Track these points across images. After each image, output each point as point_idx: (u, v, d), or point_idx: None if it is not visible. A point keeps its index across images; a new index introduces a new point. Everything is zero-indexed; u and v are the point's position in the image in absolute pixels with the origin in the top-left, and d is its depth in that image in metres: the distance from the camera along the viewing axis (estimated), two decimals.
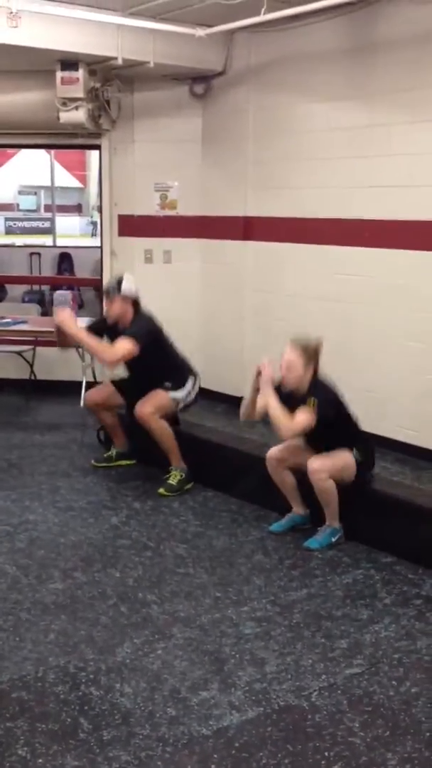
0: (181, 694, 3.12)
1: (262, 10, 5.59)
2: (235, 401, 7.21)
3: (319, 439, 4.41)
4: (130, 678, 3.21)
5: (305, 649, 3.42)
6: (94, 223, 25.03)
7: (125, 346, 5.07)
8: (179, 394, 5.27)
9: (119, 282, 5.28)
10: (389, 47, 5.72)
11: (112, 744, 2.83)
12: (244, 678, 3.22)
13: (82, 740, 2.85)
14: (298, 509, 4.61)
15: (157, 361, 5.21)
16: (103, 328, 5.43)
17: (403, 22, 5.60)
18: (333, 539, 4.41)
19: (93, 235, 24.89)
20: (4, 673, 3.24)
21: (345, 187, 6.12)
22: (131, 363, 5.24)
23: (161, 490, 5.15)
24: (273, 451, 4.55)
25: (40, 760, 2.75)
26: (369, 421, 5.69)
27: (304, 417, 4.28)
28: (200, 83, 7.26)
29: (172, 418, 5.37)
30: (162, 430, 5.19)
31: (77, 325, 5.35)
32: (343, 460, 4.39)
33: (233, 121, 7.07)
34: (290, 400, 4.43)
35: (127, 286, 5.24)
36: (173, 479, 5.20)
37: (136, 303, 5.29)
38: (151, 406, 5.16)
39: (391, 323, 5.86)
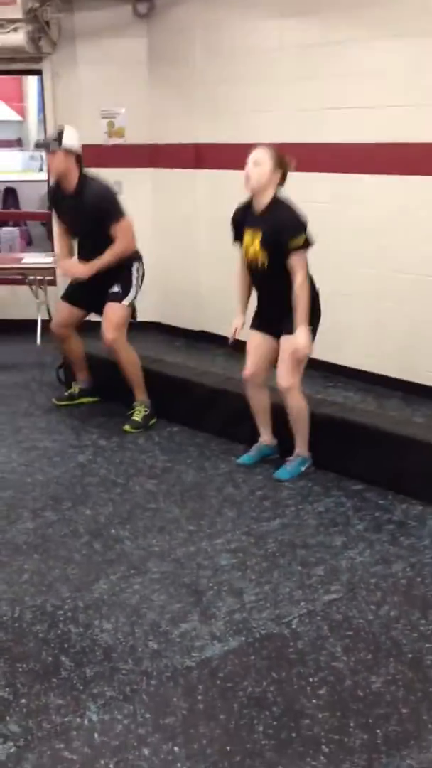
0: (162, 627, 3.10)
1: None
2: (193, 335, 7.14)
3: (276, 280, 4.18)
4: (109, 614, 3.18)
5: (282, 578, 3.43)
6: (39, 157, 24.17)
7: (125, 228, 4.95)
8: (129, 296, 5.11)
9: (60, 134, 4.97)
10: None
11: (95, 680, 2.81)
12: (223, 608, 3.22)
13: (64, 678, 2.83)
14: (266, 438, 4.58)
15: (107, 236, 4.98)
16: (56, 201, 5.19)
17: None
18: (302, 468, 4.41)
19: (41, 170, 24.05)
20: None
21: (299, 109, 5.94)
22: (89, 235, 5.04)
23: (126, 427, 5.07)
24: (246, 371, 4.42)
25: (23, 700, 2.72)
26: (329, 351, 5.69)
27: (303, 263, 4.09)
28: (143, 1, 6.94)
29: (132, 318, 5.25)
30: (129, 359, 5.09)
31: (81, 267, 5.11)
32: (299, 349, 4.18)
33: (179, 41, 6.79)
34: (253, 217, 4.21)
35: (69, 139, 4.95)
36: (137, 415, 5.13)
37: (79, 158, 5.03)
38: (113, 327, 5.02)
39: (349, 250, 5.79)
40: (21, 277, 7.11)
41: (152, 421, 5.16)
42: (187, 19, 6.68)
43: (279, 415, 4.46)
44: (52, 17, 6.87)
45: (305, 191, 5.97)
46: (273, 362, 4.36)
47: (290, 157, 4.25)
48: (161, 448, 4.84)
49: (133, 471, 4.52)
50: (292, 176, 5.96)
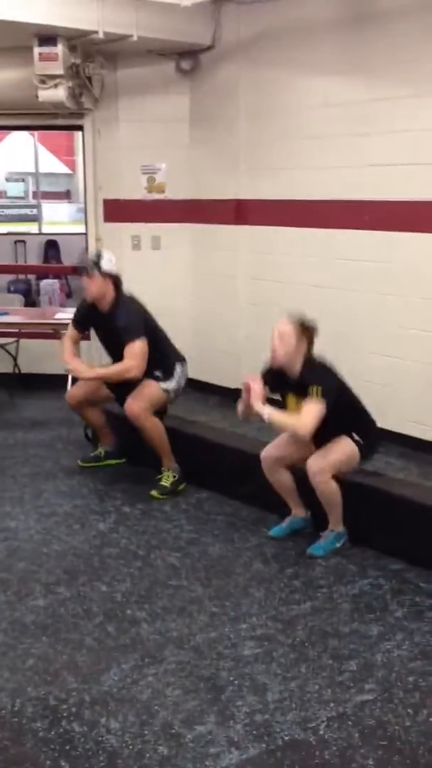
0: (174, 728, 2.80)
1: None
2: (229, 393, 6.88)
3: (320, 427, 4.06)
4: (117, 711, 2.89)
5: (311, 673, 3.11)
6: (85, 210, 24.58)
7: (137, 349, 4.78)
8: (170, 384, 4.94)
9: (98, 258, 4.92)
10: (388, 17, 5.35)
11: None
12: (243, 708, 2.90)
13: None
14: (298, 511, 4.30)
15: (148, 349, 4.86)
16: (87, 316, 5.08)
17: None
18: (337, 544, 4.10)
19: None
20: None
21: (343, 166, 5.76)
22: (118, 351, 4.89)
23: (153, 493, 4.82)
24: (268, 450, 4.23)
25: None
26: (373, 414, 5.39)
27: (313, 409, 3.96)
28: (187, 58, 6.89)
29: (162, 409, 5.04)
30: (154, 429, 4.86)
31: (87, 369, 5.06)
32: (343, 451, 4.07)
33: (223, 98, 6.70)
34: (282, 382, 4.13)
35: (107, 263, 4.88)
36: (166, 480, 4.88)
37: (117, 281, 4.93)
38: (144, 401, 4.82)
39: (394, 310, 5.53)
40: (53, 331, 6.98)
41: (180, 487, 4.91)
42: (230, 76, 6.60)
43: (308, 488, 4.17)
44: (94, 73, 6.84)
45: (349, 249, 5.80)
46: (296, 462, 4.16)
47: (314, 322, 4.15)
48: (188, 517, 4.57)
49: (156, 542, 4.25)
50: (339, 234, 5.83)
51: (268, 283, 6.54)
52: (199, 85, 6.92)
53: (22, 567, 3.97)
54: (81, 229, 18.22)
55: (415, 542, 4.01)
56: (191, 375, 7.05)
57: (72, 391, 5.37)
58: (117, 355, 4.98)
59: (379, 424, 5.64)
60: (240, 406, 4.30)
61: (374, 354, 5.66)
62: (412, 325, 5.47)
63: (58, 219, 21.65)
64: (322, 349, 4.23)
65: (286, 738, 2.75)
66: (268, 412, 4.09)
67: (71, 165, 29.73)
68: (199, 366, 7.11)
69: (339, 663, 3.18)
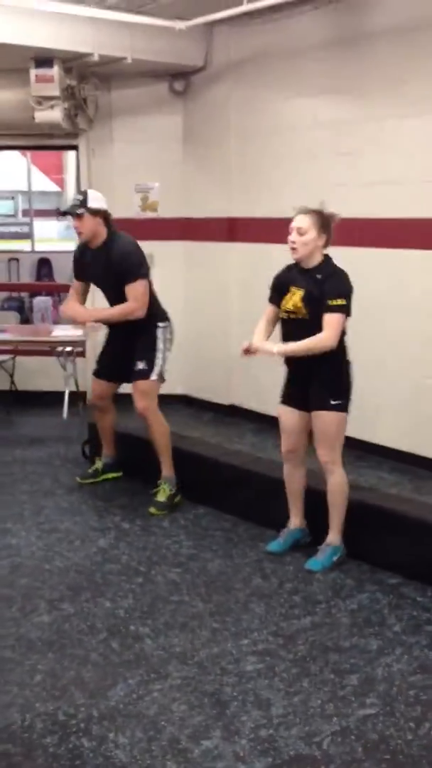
0: (181, 743, 2.85)
1: (244, 0, 5.35)
2: (222, 410, 6.98)
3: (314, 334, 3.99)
4: (124, 726, 2.94)
5: (313, 688, 3.17)
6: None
7: (139, 289, 4.77)
8: (156, 370, 4.93)
9: (84, 197, 4.85)
10: (375, 38, 5.48)
11: None
12: (248, 723, 2.96)
13: None
14: (296, 520, 4.35)
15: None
16: (83, 259, 5.04)
17: (390, 12, 5.37)
18: (335, 558, 4.16)
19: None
20: None
21: (333, 184, 5.85)
22: (115, 291, 4.89)
23: (152, 509, 4.87)
24: (285, 446, 4.25)
25: None
26: (363, 429, 5.49)
27: (337, 320, 3.90)
28: (180, 80, 7.01)
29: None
30: (160, 429, 4.93)
31: (85, 309, 5.00)
32: (333, 430, 4.06)
33: (215, 118, 6.82)
34: (299, 275, 4.07)
35: (94, 200, 4.83)
36: (162, 495, 4.93)
37: (106, 217, 4.90)
38: (144, 398, 4.88)
39: (384, 326, 5.63)
40: (50, 349, 7.05)
41: (177, 499, 4.97)
42: (222, 96, 6.71)
43: (312, 499, 4.25)
44: (89, 95, 6.94)
45: (342, 266, 5.88)
46: (308, 434, 4.20)
47: (333, 215, 4.10)
48: (186, 533, 4.63)
49: (156, 558, 4.31)
50: (330, 251, 5.91)
51: (260, 300, 6.59)
52: (192, 105, 7.03)
53: (25, 583, 4.01)
54: (69, 246, 18.27)
55: (410, 556, 4.07)
56: (184, 392, 7.17)
57: (94, 393, 5.32)
58: (115, 295, 4.94)
59: (371, 439, 5.77)
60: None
61: (365, 370, 5.73)
62: (403, 341, 5.57)
63: (48, 236, 21.71)
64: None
65: (291, 753, 2.81)
66: (277, 348, 4.02)
67: (60, 183, 29.80)
68: (192, 383, 7.21)
69: (340, 677, 3.24)
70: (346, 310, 3.99)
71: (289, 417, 4.23)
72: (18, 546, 4.46)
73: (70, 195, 26.85)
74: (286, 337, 4.15)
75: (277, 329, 4.28)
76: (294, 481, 4.32)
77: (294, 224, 4.05)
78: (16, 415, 7.08)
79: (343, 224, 5.75)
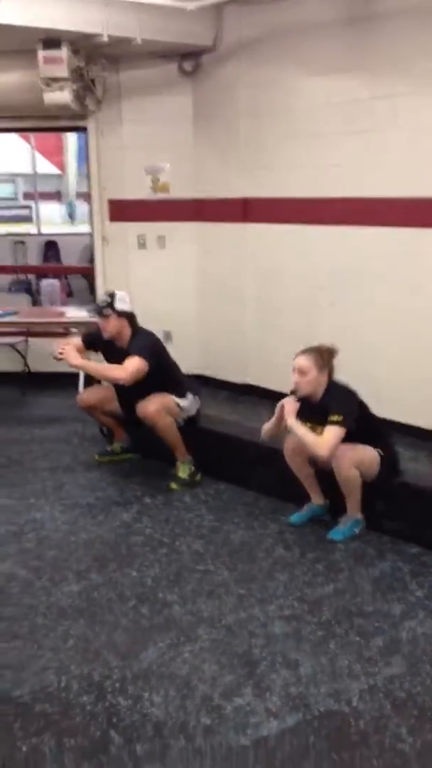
0: (215, 701, 2.95)
1: None
2: (236, 388, 7.05)
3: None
4: (158, 686, 3.04)
5: (339, 649, 3.26)
6: (71, 210, 24.71)
7: (134, 363, 4.83)
8: (183, 402, 5.04)
9: (111, 298, 4.99)
10: (388, 16, 5.49)
11: (146, 759, 2.67)
12: (278, 682, 3.05)
13: (114, 756, 2.68)
14: (316, 499, 4.45)
15: (160, 378, 4.94)
16: (98, 342, 5.16)
17: None
18: (356, 530, 4.25)
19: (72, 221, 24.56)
20: (25, 684, 3.06)
21: (347, 164, 5.91)
22: (130, 387, 4.94)
23: (172, 485, 4.96)
24: (290, 441, 4.37)
25: None
26: (379, 406, 5.53)
27: (334, 432, 4.08)
28: (189, 60, 7.02)
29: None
30: (168, 426, 4.97)
31: (78, 357, 5.08)
32: (366, 453, 4.21)
33: (225, 98, 6.84)
34: (308, 408, 4.24)
35: (121, 302, 4.97)
36: (183, 472, 5.02)
37: (132, 319, 5.03)
38: (157, 404, 4.93)
39: (401, 304, 5.68)
40: (63, 330, 7.11)
41: (197, 477, 5.05)
42: (232, 76, 6.73)
43: (328, 476, 4.33)
44: (97, 76, 6.96)
45: (357, 245, 5.95)
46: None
47: (333, 348, 4.26)
48: (208, 507, 4.71)
49: (179, 530, 4.40)
50: (344, 230, 5.98)
51: (273, 279, 6.69)
52: (202, 85, 7.05)
53: (53, 555, 4.10)
54: (72, 229, 18.25)
55: (430, 528, 4.16)
56: (199, 371, 7.24)
57: (84, 395, 5.50)
58: (134, 387, 4.93)
59: (386, 415, 5.83)
60: (267, 426, 4.41)
61: (381, 346, 5.82)
62: (418, 318, 5.63)
63: (50, 219, 21.69)
64: (331, 342, 4.35)
65: (322, 709, 2.91)
66: (300, 428, 4.17)
67: (60, 166, 29.68)
68: (206, 362, 7.27)
69: (366, 640, 3.33)
70: (344, 424, 4.09)
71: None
72: (42, 520, 4.55)
73: (71, 178, 26.87)
74: None
75: None
76: (300, 470, 4.41)
77: (295, 365, 4.21)
78: (31, 396, 7.15)
79: (358, 203, 5.88)
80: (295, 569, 3.94)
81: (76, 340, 5.32)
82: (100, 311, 4.99)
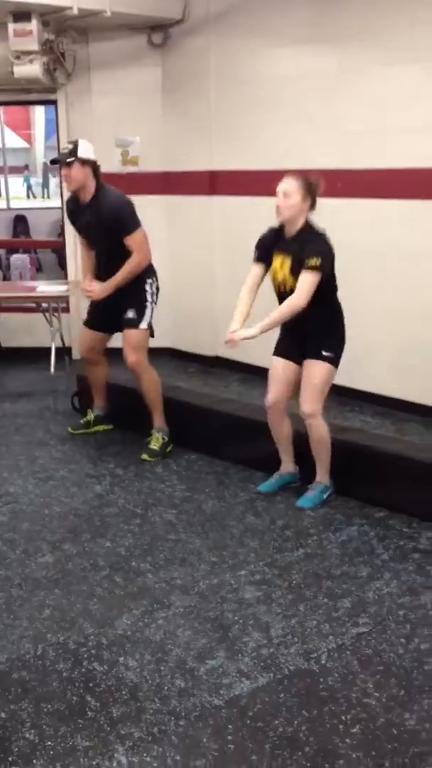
0: (188, 664, 3.03)
1: None
2: (207, 361, 7.11)
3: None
4: (133, 651, 3.12)
5: (308, 611, 3.36)
6: (29, 184, 24.40)
7: (138, 239, 4.88)
8: (145, 319, 5.06)
9: (75, 146, 4.93)
10: None
11: (122, 721, 2.74)
12: (250, 644, 3.15)
13: (90, 719, 2.76)
14: (287, 465, 4.53)
15: (125, 249, 4.93)
16: (74, 214, 5.14)
17: None
18: (324, 496, 4.34)
19: (28, 197, 24.34)
20: (2, 653, 3.12)
21: (315, 135, 5.95)
22: (105, 244, 4.98)
23: (144, 456, 5.02)
24: (269, 398, 4.36)
25: (49, 743, 2.65)
26: (347, 375, 5.63)
27: (310, 278, 4.04)
28: (158, 32, 6.99)
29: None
30: (151, 382, 5.05)
31: (102, 286, 5.03)
32: (321, 379, 4.21)
33: (194, 70, 6.82)
34: (277, 240, 4.23)
35: (84, 151, 4.91)
36: (155, 443, 5.08)
37: (96, 168, 4.97)
38: (134, 351, 4.99)
39: (368, 276, 5.75)
40: (34, 305, 7.11)
41: (169, 448, 5.11)
42: (201, 48, 6.71)
43: (300, 443, 4.41)
44: (67, 49, 6.91)
45: (325, 217, 5.96)
46: (296, 388, 4.32)
47: (319, 180, 4.22)
48: (179, 477, 4.79)
49: (151, 501, 4.47)
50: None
51: (242, 252, 6.67)
52: (171, 57, 7.02)
53: (27, 528, 4.16)
54: (45, 203, 18.05)
55: (395, 491, 4.27)
56: (170, 345, 7.29)
57: (82, 345, 5.42)
58: (106, 248, 5.02)
59: (354, 385, 5.94)
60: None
61: (351, 318, 5.88)
62: (386, 290, 5.71)
63: (16, 194, 21.46)
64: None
65: (292, 668, 3.00)
66: (255, 330, 4.13)
67: (28, 139, 29.30)
68: (177, 335, 7.32)
69: (333, 601, 3.43)
70: (321, 270, 4.09)
71: (281, 368, 4.36)
72: (16, 494, 4.59)
73: (39, 151, 26.31)
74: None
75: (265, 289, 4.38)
76: (281, 431, 4.46)
77: (280, 188, 4.17)
78: (2, 371, 7.15)
79: (325, 174, 5.89)
80: (265, 536, 4.03)
81: (81, 242, 5.26)
82: (63, 160, 4.92)
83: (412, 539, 3.95)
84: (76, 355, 6.81)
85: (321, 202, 5.97)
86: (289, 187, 4.14)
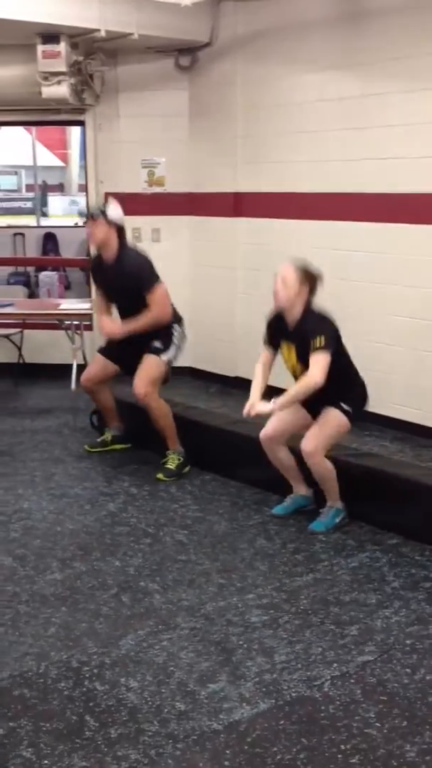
0: (189, 687, 3.01)
1: None
2: (227, 381, 7.11)
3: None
4: (135, 671, 3.11)
5: (314, 637, 3.33)
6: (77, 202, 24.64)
7: (159, 295, 5.00)
8: (169, 354, 5.12)
9: (105, 206, 5.12)
10: (382, 14, 5.55)
11: (120, 742, 2.73)
12: (253, 668, 3.12)
13: (88, 739, 2.75)
14: (300, 489, 4.50)
15: (146, 305, 5.04)
16: (95, 270, 5.34)
17: None
18: (337, 520, 4.31)
19: (79, 214, 24.58)
20: (5, 669, 3.13)
21: (339, 160, 5.96)
22: (126, 301, 5.11)
23: (159, 475, 5.02)
24: (265, 430, 4.38)
25: (46, 762, 2.64)
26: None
27: (320, 358, 4.09)
28: (186, 55, 7.07)
29: (165, 378, 5.23)
30: (161, 409, 5.07)
31: (121, 326, 5.17)
32: (333, 425, 4.22)
33: (221, 93, 6.89)
34: (281, 328, 4.29)
35: (113, 211, 5.06)
36: (171, 463, 5.08)
37: (120, 230, 5.11)
38: (147, 382, 5.02)
39: (388, 299, 5.74)
40: (58, 322, 7.18)
41: (185, 470, 5.11)
42: (228, 72, 6.78)
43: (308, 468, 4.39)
44: (95, 70, 7.02)
45: (347, 240, 6.00)
46: (295, 432, 4.33)
47: (319, 274, 4.30)
48: (193, 497, 4.78)
49: (164, 520, 4.46)
50: (334, 225, 6.02)
51: (264, 274, 6.65)
52: (198, 81, 7.10)
53: (38, 544, 4.17)
54: (74, 221, 18.37)
55: (409, 518, 4.22)
56: (191, 364, 7.31)
57: (85, 373, 5.49)
58: (125, 306, 5.16)
59: (373, 410, 5.89)
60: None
61: (367, 341, 5.86)
62: (403, 313, 5.68)
63: (53, 211, 21.77)
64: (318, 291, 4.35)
65: (294, 694, 2.97)
66: (273, 405, 4.22)
67: (64, 158, 29.75)
68: (198, 355, 7.34)
69: (341, 628, 3.40)
70: (327, 348, 4.13)
71: (292, 408, 4.33)
72: (30, 510, 4.61)
73: (74, 170, 26.72)
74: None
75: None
76: (281, 463, 4.45)
77: (279, 275, 4.24)
78: (24, 387, 7.22)
79: (347, 198, 5.93)
80: (276, 559, 4.01)
81: (96, 294, 5.42)
82: (91, 216, 5.11)
83: (424, 567, 3.90)
84: None
85: (345, 225, 6.02)
86: (287, 275, 4.21)
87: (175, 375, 5.67)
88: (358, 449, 4.92)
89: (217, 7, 6.64)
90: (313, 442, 4.20)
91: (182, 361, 6.58)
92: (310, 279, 4.25)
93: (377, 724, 2.80)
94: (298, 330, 4.23)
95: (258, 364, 4.47)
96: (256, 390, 4.38)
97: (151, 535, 4.28)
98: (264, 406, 4.26)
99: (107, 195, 5.32)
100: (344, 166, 5.92)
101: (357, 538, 4.21)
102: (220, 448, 5.14)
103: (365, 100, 5.74)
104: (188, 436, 5.17)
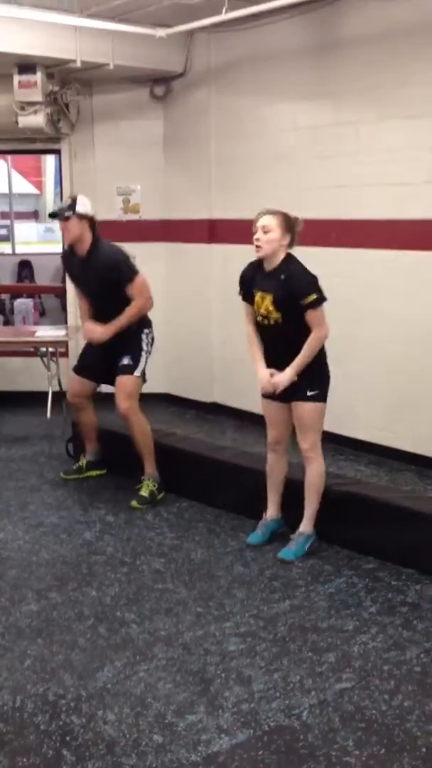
0: (167, 718, 2.99)
1: (224, 9, 5.51)
2: (203, 407, 7.12)
3: (283, 343, 4.18)
4: (112, 704, 3.07)
5: (292, 665, 3.32)
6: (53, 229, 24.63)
7: (139, 285, 4.98)
8: (140, 367, 5.10)
9: (73, 201, 5.04)
10: (352, 45, 5.65)
11: None
12: (231, 698, 3.10)
13: None
14: (272, 512, 4.50)
15: (121, 298, 5.01)
16: (72, 272, 5.29)
17: (365, 20, 5.54)
18: (306, 546, 4.30)
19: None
20: None
21: (311, 187, 6.03)
22: (100, 296, 5.07)
23: (133, 503, 5.00)
24: (271, 438, 4.38)
25: None
26: (341, 424, 5.65)
27: (317, 315, 4.07)
28: (160, 85, 7.16)
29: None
30: (142, 429, 5.07)
31: (104, 328, 5.08)
32: (313, 417, 4.21)
33: (195, 122, 6.97)
34: (261, 275, 4.23)
35: (82, 206, 5.01)
36: (145, 490, 5.06)
37: (93, 223, 5.07)
38: (126, 396, 5.02)
39: (362, 324, 5.80)
40: (33, 349, 7.15)
41: (160, 496, 5.10)
42: (202, 101, 6.87)
43: (288, 489, 4.41)
44: (71, 100, 7.08)
45: (319, 266, 6.00)
46: (292, 425, 4.35)
47: (297, 218, 4.25)
48: (170, 525, 4.76)
49: (140, 549, 4.44)
50: (307, 251, 6.07)
51: (240, 301, 6.76)
52: (172, 110, 7.18)
53: (14, 575, 4.13)
54: (50, 248, 18.37)
55: (385, 542, 4.24)
56: (167, 390, 7.31)
57: (70, 390, 5.47)
58: (100, 301, 5.10)
59: (348, 433, 5.94)
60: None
61: (340, 365, 5.90)
62: (380, 339, 5.74)
63: (27, 238, 21.71)
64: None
65: (272, 724, 2.95)
66: (290, 374, 4.14)
67: (38, 186, 29.77)
68: (174, 381, 7.35)
69: (318, 655, 3.39)
70: (320, 301, 4.13)
71: (271, 409, 4.38)
72: (5, 540, 4.57)
73: (49, 198, 26.78)
74: (265, 343, 4.32)
75: None
76: (277, 472, 4.46)
77: (259, 223, 4.20)
78: None
79: (321, 225, 5.99)
80: (253, 586, 3.99)
81: (78, 294, 5.38)
82: (61, 213, 5.03)
83: (400, 592, 3.91)
84: None
85: (317, 251, 6.07)
86: (268, 222, 4.16)
87: (151, 401, 5.68)
88: (334, 473, 4.93)
89: (190, 38, 6.74)
90: (306, 440, 4.20)
91: (158, 387, 6.61)
92: (292, 226, 4.18)
93: (356, 752, 2.79)
94: (276, 277, 4.14)
95: (248, 326, 4.36)
96: (260, 358, 4.29)
97: (127, 564, 4.25)
98: (285, 377, 4.15)
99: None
100: (317, 193, 5.99)
101: (334, 563, 4.22)
102: (197, 474, 5.13)
103: (336, 129, 5.83)
104: (165, 462, 5.16)
